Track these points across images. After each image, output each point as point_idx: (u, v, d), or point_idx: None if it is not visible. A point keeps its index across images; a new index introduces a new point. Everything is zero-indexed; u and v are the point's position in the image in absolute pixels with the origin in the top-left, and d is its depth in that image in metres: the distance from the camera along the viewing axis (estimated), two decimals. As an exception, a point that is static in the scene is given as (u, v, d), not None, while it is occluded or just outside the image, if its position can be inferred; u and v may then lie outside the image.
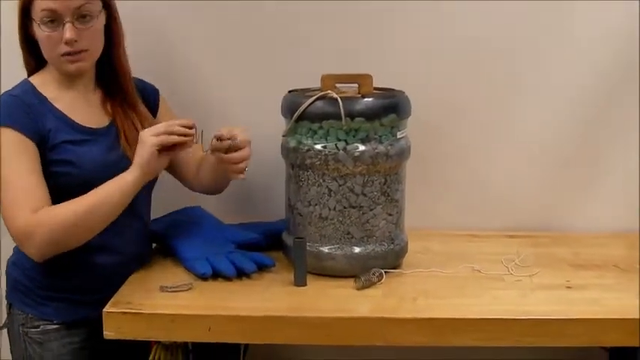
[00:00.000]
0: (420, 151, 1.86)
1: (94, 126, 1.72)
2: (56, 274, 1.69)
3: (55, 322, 1.71)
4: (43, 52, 1.67)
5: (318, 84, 1.74)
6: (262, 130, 2.01)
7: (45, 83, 1.70)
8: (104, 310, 1.53)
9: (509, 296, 1.63)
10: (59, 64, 1.67)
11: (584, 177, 2.09)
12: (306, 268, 1.69)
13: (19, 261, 1.73)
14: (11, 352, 1.78)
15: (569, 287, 1.68)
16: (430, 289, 1.66)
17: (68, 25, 1.62)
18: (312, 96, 1.70)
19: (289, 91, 1.81)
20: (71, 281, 1.71)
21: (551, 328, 1.51)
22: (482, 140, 2.08)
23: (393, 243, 1.76)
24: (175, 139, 1.63)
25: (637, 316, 1.51)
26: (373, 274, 1.68)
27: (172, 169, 1.87)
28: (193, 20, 2.04)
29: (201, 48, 2.05)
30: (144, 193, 1.72)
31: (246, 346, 1.92)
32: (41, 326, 1.70)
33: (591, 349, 1.93)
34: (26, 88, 1.69)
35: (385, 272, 1.71)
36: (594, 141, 2.08)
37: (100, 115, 1.75)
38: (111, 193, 1.61)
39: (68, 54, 1.65)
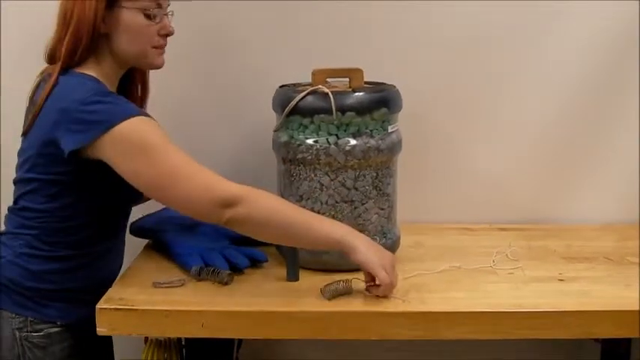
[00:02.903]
0: (412, 144, 1.86)
1: None
2: (65, 274, 1.61)
3: (58, 323, 1.61)
4: (128, 43, 1.56)
5: (308, 79, 1.74)
6: (253, 125, 2.01)
7: (102, 80, 1.55)
8: (97, 306, 1.52)
9: (502, 289, 1.63)
10: (145, 57, 1.59)
11: (575, 170, 2.10)
12: (299, 263, 1.68)
13: (19, 261, 1.59)
14: None
15: (561, 280, 1.69)
16: (423, 283, 1.66)
17: (168, 18, 1.58)
18: (303, 91, 1.70)
19: (280, 86, 1.81)
20: (77, 281, 1.63)
21: (544, 321, 1.51)
22: (474, 133, 2.09)
23: (385, 237, 1.76)
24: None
25: (628, 308, 1.52)
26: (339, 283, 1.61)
27: None
28: (183, 13, 2.02)
29: (191, 42, 2.04)
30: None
31: (240, 341, 1.92)
32: (44, 330, 1.60)
33: (584, 341, 1.94)
34: (100, 84, 1.54)
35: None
36: (585, 135, 2.08)
37: None
38: (312, 229, 1.52)
39: (159, 46, 1.59)
